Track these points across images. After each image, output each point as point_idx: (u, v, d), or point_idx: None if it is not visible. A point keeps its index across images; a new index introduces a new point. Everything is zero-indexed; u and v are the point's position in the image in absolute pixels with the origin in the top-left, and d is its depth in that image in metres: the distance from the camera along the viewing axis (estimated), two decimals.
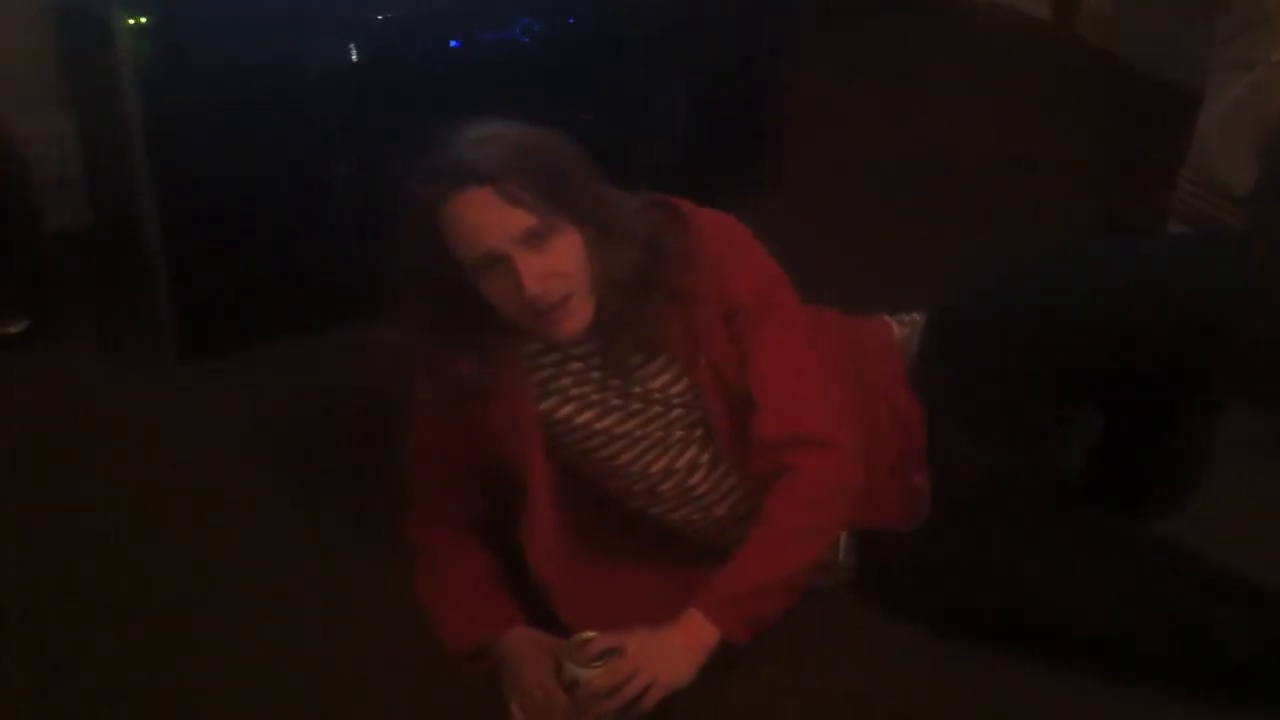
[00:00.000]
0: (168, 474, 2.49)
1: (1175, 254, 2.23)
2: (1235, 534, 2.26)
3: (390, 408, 2.21)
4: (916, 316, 2.25)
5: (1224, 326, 2.02)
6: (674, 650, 1.94)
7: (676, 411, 2.07)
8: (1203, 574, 2.05)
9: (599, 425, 2.07)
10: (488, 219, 1.86)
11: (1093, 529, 2.12)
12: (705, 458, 2.09)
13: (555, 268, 1.89)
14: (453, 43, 2.72)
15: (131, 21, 2.45)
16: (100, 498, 2.43)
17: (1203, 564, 2.06)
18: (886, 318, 2.27)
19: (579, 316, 1.94)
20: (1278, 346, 2.02)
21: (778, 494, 2.02)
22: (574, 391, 2.06)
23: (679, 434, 2.08)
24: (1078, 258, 2.22)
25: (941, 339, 2.19)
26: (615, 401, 2.06)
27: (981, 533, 2.08)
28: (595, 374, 2.06)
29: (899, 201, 3.36)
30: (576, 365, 2.06)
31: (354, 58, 2.63)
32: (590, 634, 1.95)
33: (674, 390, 2.06)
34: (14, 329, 2.79)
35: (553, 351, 2.05)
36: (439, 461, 2.15)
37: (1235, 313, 2.02)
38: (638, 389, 2.06)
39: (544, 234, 1.88)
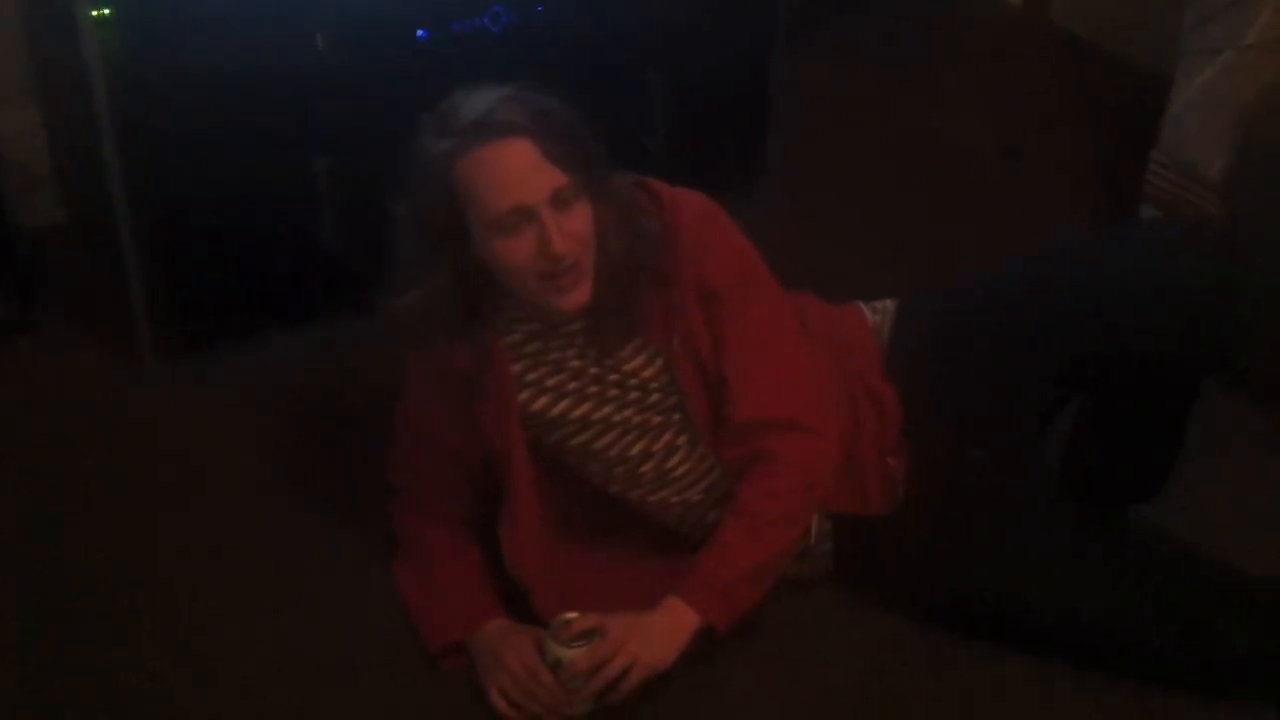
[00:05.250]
0: (152, 467, 2.50)
1: (1153, 242, 2.23)
2: (1232, 530, 2.28)
3: (374, 398, 2.24)
4: (888, 304, 2.26)
5: (1203, 314, 2.03)
6: (655, 632, 1.95)
7: (654, 396, 2.07)
8: (1197, 567, 2.06)
9: (575, 413, 2.07)
10: (524, 171, 1.85)
11: (1081, 529, 2.12)
12: (683, 440, 2.09)
13: (576, 229, 1.89)
14: (420, 32, 2.69)
15: (96, 14, 2.43)
16: (85, 491, 2.44)
17: (1198, 557, 2.07)
18: (859, 305, 2.27)
19: (585, 287, 1.94)
20: (1261, 333, 2.04)
21: (753, 479, 2.03)
22: (549, 382, 2.07)
23: (657, 419, 2.08)
24: (1064, 256, 2.24)
25: (926, 339, 2.20)
26: (592, 389, 2.07)
27: (962, 519, 2.08)
28: (574, 362, 2.06)
29: (883, 191, 3.37)
30: (554, 355, 2.06)
31: (320, 46, 2.61)
32: (573, 615, 1.97)
33: (648, 373, 2.06)
34: None
35: (533, 341, 2.05)
36: (426, 450, 2.16)
37: (1214, 300, 2.03)
38: (614, 375, 2.06)
39: (569, 197, 1.88)
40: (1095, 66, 3.74)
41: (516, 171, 1.86)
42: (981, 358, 2.13)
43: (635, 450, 2.09)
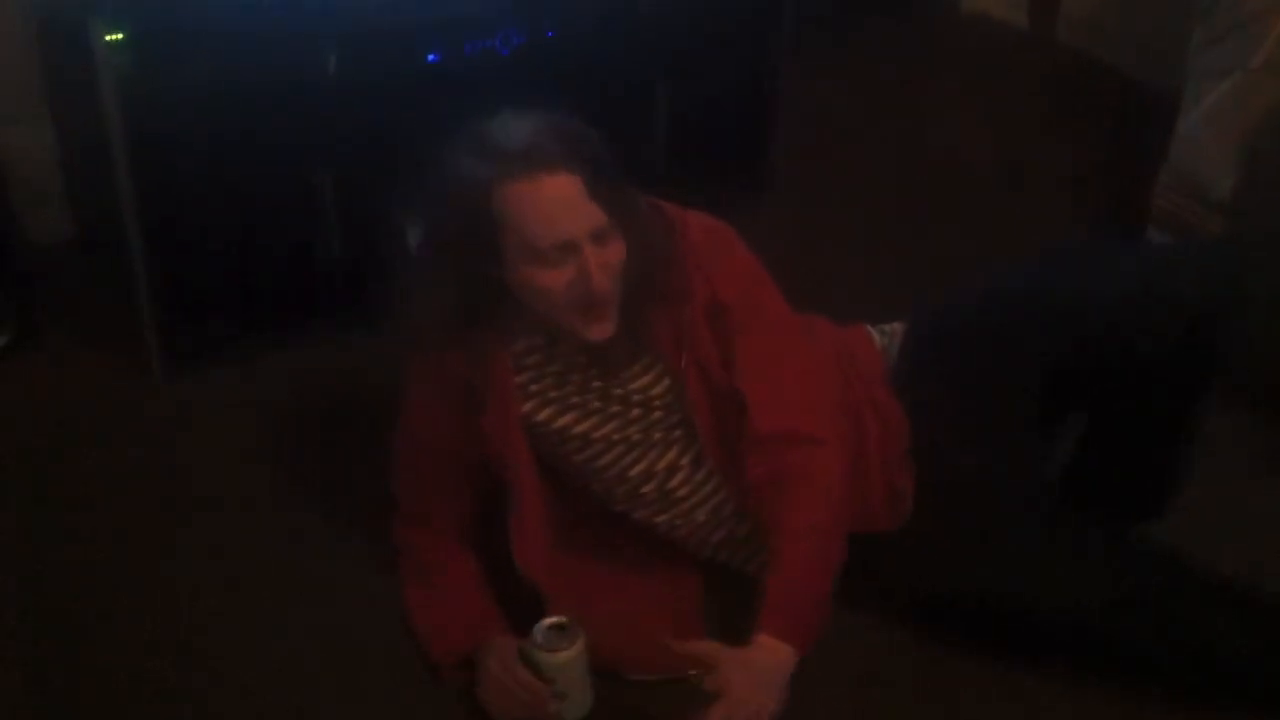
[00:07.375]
0: (154, 470, 2.51)
1: (1160, 258, 2.23)
2: (1234, 547, 2.25)
3: (376, 406, 2.24)
4: (896, 326, 2.26)
5: (1204, 317, 2.03)
6: (773, 678, 1.90)
7: (657, 414, 2.07)
8: (1194, 578, 2.04)
9: (578, 429, 2.07)
10: (569, 206, 1.86)
11: (1080, 530, 2.11)
12: (685, 460, 2.09)
13: (611, 263, 1.91)
14: (431, 56, 2.72)
15: (110, 37, 2.45)
16: (88, 492, 2.45)
17: (1194, 569, 2.06)
18: (867, 327, 2.27)
19: (613, 319, 1.95)
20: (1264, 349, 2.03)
21: (790, 499, 1.99)
22: (554, 394, 2.07)
23: (658, 436, 2.08)
24: (1063, 261, 2.25)
25: (926, 341, 2.20)
26: (595, 404, 2.07)
27: (962, 519, 2.07)
28: (576, 375, 2.06)
29: (888, 207, 3.38)
30: (557, 367, 2.06)
31: (332, 70, 2.63)
32: (550, 620, 1.97)
33: (654, 391, 2.06)
34: None
35: (534, 353, 2.05)
36: (428, 460, 2.16)
37: (1215, 304, 2.04)
38: (618, 391, 2.06)
39: (608, 234, 1.89)
40: (1101, 84, 3.75)
41: (562, 206, 1.86)
42: (982, 358, 2.13)
43: (636, 470, 2.09)
